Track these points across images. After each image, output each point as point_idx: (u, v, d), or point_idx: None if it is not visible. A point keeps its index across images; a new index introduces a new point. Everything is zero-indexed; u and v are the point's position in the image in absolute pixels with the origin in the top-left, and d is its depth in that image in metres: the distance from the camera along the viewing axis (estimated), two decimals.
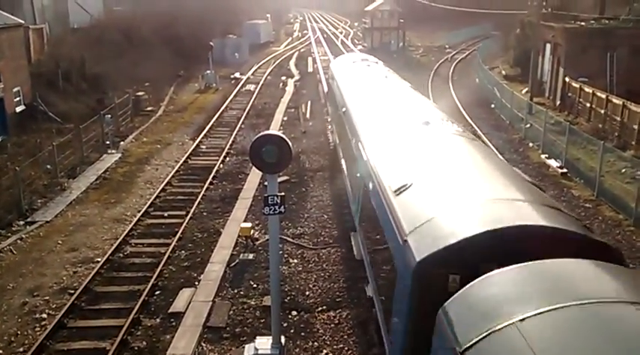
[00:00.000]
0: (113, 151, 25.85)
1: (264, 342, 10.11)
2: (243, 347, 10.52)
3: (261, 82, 44.34)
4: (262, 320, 12.69)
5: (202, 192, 20.60)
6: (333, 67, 25.89)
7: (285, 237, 16.54)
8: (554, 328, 4.49)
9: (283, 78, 45.99)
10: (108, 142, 26.60)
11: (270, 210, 9.14)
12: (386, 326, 8.07)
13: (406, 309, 6.82)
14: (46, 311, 13.34)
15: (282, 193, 9.26)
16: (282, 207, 9.19)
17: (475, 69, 48.94)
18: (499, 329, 4.68)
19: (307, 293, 13.90)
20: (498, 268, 5.65)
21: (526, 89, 36.94)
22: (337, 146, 19.36)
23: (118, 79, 36.71)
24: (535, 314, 4.66)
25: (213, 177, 22.37)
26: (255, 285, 14.20)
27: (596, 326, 4.52)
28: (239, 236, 16.49)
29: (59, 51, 36.69)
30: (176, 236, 16.97)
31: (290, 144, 8.98)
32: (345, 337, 12.15)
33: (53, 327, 12.43)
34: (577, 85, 31.11)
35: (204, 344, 11.91)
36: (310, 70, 50.74)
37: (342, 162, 16.88)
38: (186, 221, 18.09)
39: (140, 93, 35.24)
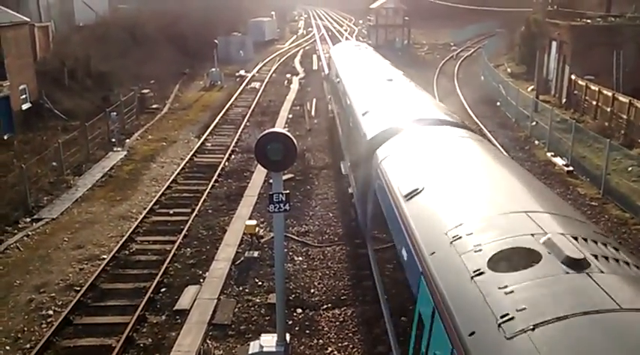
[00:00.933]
0: (119, 149, 25.91)
1: (269, 340, 10.14)
2: (248, 345, 10.54)
3: (266, 80, 44.35)
4: (267, 318, 12.71)
5: (208, 190, 20.63)
6: (332, 51, 33.75)
7: (290, 235, 16.56)
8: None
9: (288, 75, 45.99)
10: (113, 140, 26.67)
11: (275, 207, 9.15)
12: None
13: None
14: (53, 307, 13.39)
15: (287, 191, 9.26)
16: (287, 204, 9.20)
17: (480, 66, 48.80)
18: None
19: (312, 290, 13.91)
20: None
21: (532, 87, 36.83)
22: (334, 110, 24.96)
23: (123, 77, 36.82)
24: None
25: (219, 175, 22.40)
26: (260, 283, 14.22)
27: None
28: (244, 233, 16.52)
29: (65, 49, 36.80)
30: (181, 233, 17.01)
31: (295, 141, 8.99)
32: (350, 335, 12.15)
33: (59, 324, 12.49)
34: (583, 83, 30.98)
35: (209, 342, 11.94)
36: (315, 67, 50.70)
37: (336, 116, 23.07)
38: (192, 218, 18.13)
39: (145, 91, 35.31)
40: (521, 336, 4.44)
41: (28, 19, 31.80)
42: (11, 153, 23.94)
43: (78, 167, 23.05)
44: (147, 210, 18.78)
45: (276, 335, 10.12)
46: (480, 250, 5.89)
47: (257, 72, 48.73)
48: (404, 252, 7.32)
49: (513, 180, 8.33)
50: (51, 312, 13.20)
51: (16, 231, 17.50)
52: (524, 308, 4.70)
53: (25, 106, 29.61)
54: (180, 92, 40.49)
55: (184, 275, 14.87)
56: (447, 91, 38.00)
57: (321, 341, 12.01)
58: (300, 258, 15.52)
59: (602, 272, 5.08)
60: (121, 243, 16.34)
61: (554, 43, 37.63)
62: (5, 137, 26.43)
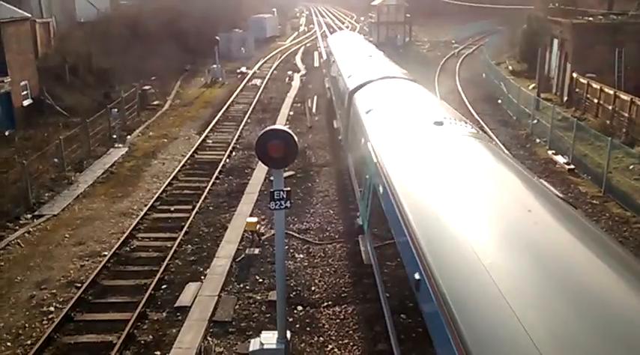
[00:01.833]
0: (120, 145, 25.92)
1: (269, 337, 10.13)
2: (249, 342, 10.54)
3: (267, 77, 44.32)
4: (268, 315, 12.72)
5: (209, 187, 20.64)
6: (329, 39, 41.61)
7: (291, 232, 16.56)
8: None
9: (289, 72, 45.94)
10: (115, 136, 26.67)
11: (276, 204, 9.15)
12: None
13: None
14: (54, 304, 13.41)
15: (288, 188, 9.26)
16: (288, 202, 9.19)
17: (482, 64, 48.73)
18: None
19: (313, 288, 13.92)
20: None
21: (533, 85, 36.78)
22: (329, 84, 29.81)
23: (124, 73, 36.77)
24: None
25: (220, 172, 22.41)
26: (260, 280, 14.23)
27: None
28: (245, 230, 16.52)
29: (66, 45, 36.81)
30: (182, 230, 17.02)
31: (296, 138, 8.97)
32: (351, 332, 12.16)
33: (60, 320, 12.50)
34: (585, 81, 30.92)
35: (209, 339, 11.95)
36: (317, 64, 50.65)
37: (330, 86, 28.22)
38: (193, 215, 18.14)
39: (147, 88, 35.27)
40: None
41: (29, 15, 31.79)
42: (12, 150, 23.99)
43: (79, 163, 23.06)
44: (148, 206, 18.79)
45: (276, 332, 10.12)
46: None
47: (258, 69, 48.69)
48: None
49: (424, 97, 14.96)
50: (52, 309, 13.22)
51: (17, 228, 17.52)
52: None
53: (26, 102, 29.63)
54: (182, 89, 40.49)
55: (185, 272, 14.88)
56: (448, 89, 37.93)
57: (321, 338, 12.02)
58: (301, 256, 15.52)
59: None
60: (122, 239, 16.35)
61: (555, 41, 37.56)
62: (6, 133, 26.47)
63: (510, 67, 47.48)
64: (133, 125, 29.99)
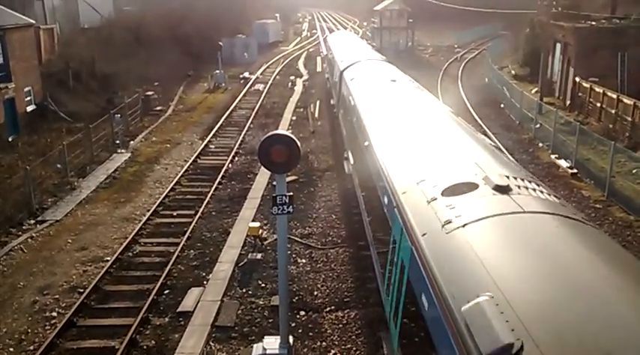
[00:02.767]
0: (123, 151, 25.98)
1: (272, 342, 10.11)
2: (252, 347, 10.53)
3: (269, 82, 44.41)
4: (270, 320, 12.70)
5: (211, 192, 20.66)
6: (328, 38, 49.86)
7: (293, 237, 16.56)
8: None
9: (292, 77, 46.00)
10: (117, 142, 26.73)
11: (278, 209, 9.15)
12: None
13: None
14: (56, 309, 13.42)
15: (291, 193, 9.27)
16: (291, 206, 9.19)
17: (484, 68, 48.73)
18: None
19: (315, 293, 13.90)
20: None
21: (536, 89, 36.77)
22: (326, 72, 36.36)
23: (127, 79, 36.91)
24: None
25: (222, 177, 22.43)
26: (263, 285, 14.22)
27: None
28: (248, 235, 16.53)
29: (69, 51, 36.95)
30: (185, 235, 17.02)
31: (298, 143, 8.98)
32: (354, 337, 12.14)
33: (63, 326, 12.51)
34: (587, 85, 30.88)
35: (212, 344, 11.94)
36: (319, 69, 50.74)
37: (327, 76, 34.17)
38: (195, 220, 18.15)
39: (150, 93, 35.39)
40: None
41: (33, 22, 31.94)
42: (16, 155, 24.04)
43: (82, 169, 23.12)
44: (150, 211, 18.81)
45: (279, 337, 10.10)
46: None
47: (261, 74, 48.80)
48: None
49: (391, 71, 20.59)
50: (55, 314, 13.23)
51: (20, 233, 17.55)
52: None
53: (29, 108, 29.73)
54: (185, 94, 40.58)
55: (188, 277, 14.88)
56: (450, 93, 37.91)
57: (324, 343, 11.99)
58: (304, 260, 15.51)
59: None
60: (124, 244, 16.37)
61: (558, 45, 37.54)
62: (10, 139, 26.55)
63: (513, 72, 47.46)
64: (136, 130, 30.06)
